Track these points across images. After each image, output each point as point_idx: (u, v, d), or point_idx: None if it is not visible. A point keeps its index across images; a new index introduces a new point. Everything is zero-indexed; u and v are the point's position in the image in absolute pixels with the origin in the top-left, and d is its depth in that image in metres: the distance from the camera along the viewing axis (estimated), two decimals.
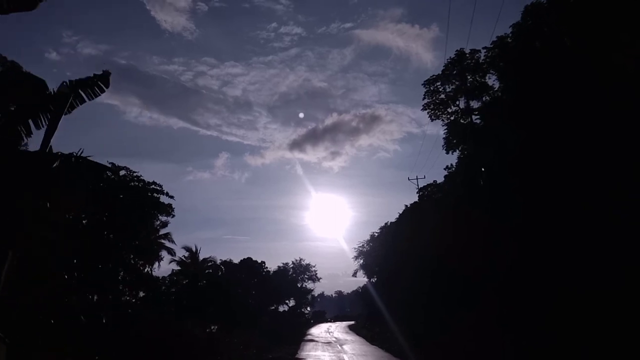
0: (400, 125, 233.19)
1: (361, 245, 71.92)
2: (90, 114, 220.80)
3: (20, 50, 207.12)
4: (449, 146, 41.10)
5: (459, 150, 40.96)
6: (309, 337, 48.30)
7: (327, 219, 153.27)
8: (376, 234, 68.03)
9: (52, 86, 11.11)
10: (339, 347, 36.80)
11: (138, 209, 37.15)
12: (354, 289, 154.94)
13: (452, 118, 42.04)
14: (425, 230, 36.64)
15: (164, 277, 45.37)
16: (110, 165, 35.25)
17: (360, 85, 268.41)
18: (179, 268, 45.27)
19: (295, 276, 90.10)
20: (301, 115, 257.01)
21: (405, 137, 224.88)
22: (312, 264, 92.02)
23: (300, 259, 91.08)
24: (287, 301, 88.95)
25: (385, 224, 60.01)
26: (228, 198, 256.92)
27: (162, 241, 59.82)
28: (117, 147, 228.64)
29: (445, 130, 41.53)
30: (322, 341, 42.87)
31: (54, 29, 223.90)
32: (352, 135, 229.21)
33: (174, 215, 42.54)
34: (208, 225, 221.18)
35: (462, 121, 41.00)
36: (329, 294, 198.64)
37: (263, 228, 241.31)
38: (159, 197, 39.59)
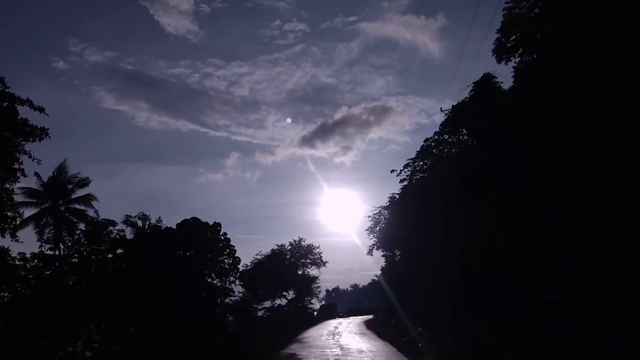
0: (410, 117, 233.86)
1: (376, 212, 52.49)
2: (99, 121, 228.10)
3: (29, 62, 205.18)
4: (501, 49, 21.95)
5: (517, 58, 21.77)
6: (292, 347, 29.19)
7: (340, 214, 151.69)
8: (397, 196, 48.87)
9: None
10: None
11: None
12: (370, 281, 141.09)
13: None
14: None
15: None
16: None
17: (367, 78, 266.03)
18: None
19: (295, 261, 70.79)
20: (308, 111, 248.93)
21: (415, 129, 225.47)
22: (315, 244, 72.66)
23: (300, 239, 71.39)
24: (284, 293, 69.98)
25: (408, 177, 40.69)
26: (240, 197, 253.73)
27: (78, 206, 41.45)
28: (128, 152, 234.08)
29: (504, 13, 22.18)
30: (312, 358, 23.96)
31: (59, 38, 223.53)
32: (362, 129, 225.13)
33: (41, 139, 23.16)
34: (222, 225, 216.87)
35: None
36: (344, 287, 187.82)
37: (276, 226, 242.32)
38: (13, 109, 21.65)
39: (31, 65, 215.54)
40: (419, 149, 29.00)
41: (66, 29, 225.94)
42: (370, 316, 74.67)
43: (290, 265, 69.52)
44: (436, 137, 26.87)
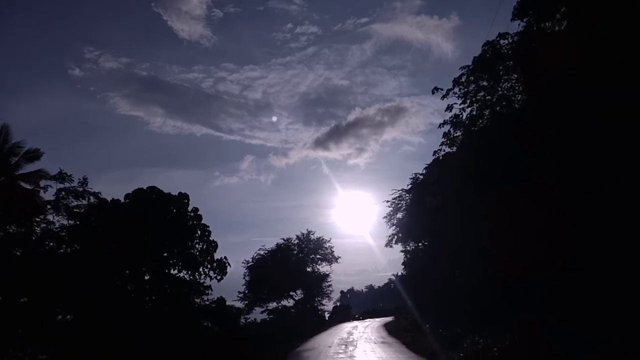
0: (424, 117, 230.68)
1: (396, 196, 44.37)
2: (115, 127, 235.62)
3: (45, 69, 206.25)
4: None
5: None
6: None
7: (354, 215, 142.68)
8: (420, 177, 40.73)
9: None
10: None
11: None
12: (386, 282, 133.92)
13: None
14: None
15: None
16: None
17: (380, 79, 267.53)
18: None
19: (303, 256, 62.83)
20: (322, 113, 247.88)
21: (429, 129, 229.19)
22: (326, 237, 64.52)
23: (309, 232, 63.42)
24: (292, 293, 62.11)
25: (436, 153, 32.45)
26: (255, 200, 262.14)
27: (25, 185, 34.12)
28: (144, 157, 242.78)
29: None
30: None
31: (75, 46, 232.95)
32: (375, 130, 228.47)
33: None
34: (237, 228, 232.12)
35: None
36: (359, 289, 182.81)
37: (290, 228, 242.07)
38: None
39: (48, 73, 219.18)
40: (477, 54, 19.14)
41: (82, 37, 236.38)
42: (390, 318, 66.33)
43: (298, 261, 61.66)
44: (501, 41, 18.37)
